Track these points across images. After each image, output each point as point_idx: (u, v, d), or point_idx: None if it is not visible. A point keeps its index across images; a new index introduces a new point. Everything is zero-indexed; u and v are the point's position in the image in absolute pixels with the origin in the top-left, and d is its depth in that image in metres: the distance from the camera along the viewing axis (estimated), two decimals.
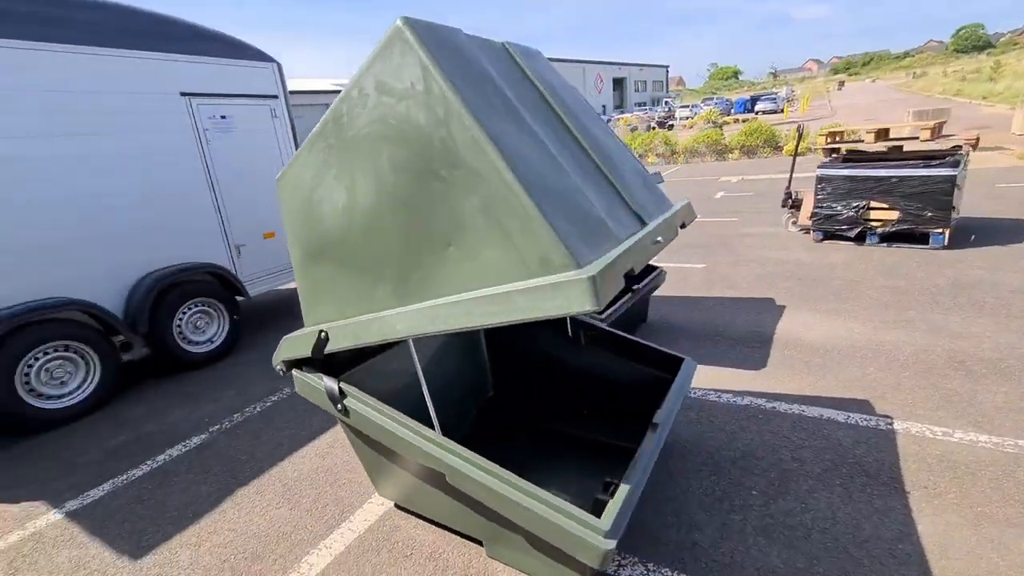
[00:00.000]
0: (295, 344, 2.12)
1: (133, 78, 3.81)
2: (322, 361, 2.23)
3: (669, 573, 1.94)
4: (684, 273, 5.58)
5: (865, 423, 2.72)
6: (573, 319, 2.90)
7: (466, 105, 1.58)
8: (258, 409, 3.41)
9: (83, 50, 3.52)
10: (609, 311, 3.41)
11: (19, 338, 3.22)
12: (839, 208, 5.98)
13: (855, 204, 5.90)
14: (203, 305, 4.23)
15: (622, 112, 49.56)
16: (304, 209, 2.06)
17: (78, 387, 3.51)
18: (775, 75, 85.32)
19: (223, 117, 4.40)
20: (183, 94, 4.11)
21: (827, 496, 2.24)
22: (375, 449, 2.27)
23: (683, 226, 2.29)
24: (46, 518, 2.52)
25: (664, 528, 2.15)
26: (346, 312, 1.99)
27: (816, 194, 6.16)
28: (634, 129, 25.54)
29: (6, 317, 3.16)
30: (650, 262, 3.91)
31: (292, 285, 5.26)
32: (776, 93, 44.41)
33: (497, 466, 1.79)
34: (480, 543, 2.13)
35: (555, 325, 2.93)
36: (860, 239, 5.98)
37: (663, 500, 2.30)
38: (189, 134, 4.18)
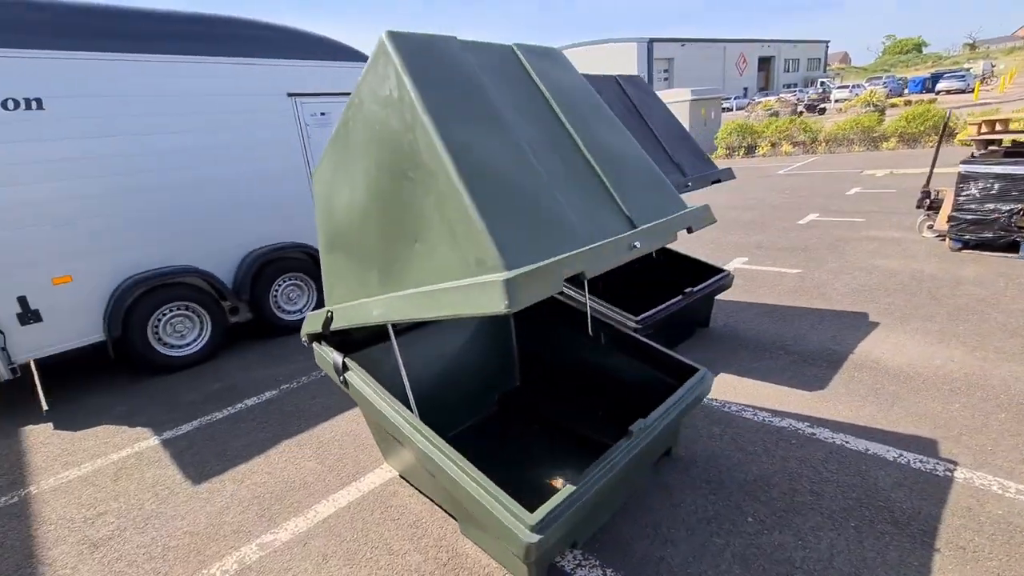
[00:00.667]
0: (312, 321, 2.41)
1: (249, 82, 4.45)
2: (338, 337, 2.51)
3: (601, 567, 1.92)
4: (772, 278, 5.11)
5: (918, 465, 2.36)
6: (595, 319, 2.88)
7: (428, 111, 1.69)
8: (320, 375, 3.87)
9: (210, 60, 4.20)
10: (648, 314, 3.30)
11: (156, 295, 4.01)
12: (988, 211, 5.02)
13: (1008, 208, 4.92)
14: (296, 279, 4.86)
15: (766, 95, 45.26)
16: (325, 201, 2.33)
17: (193, 341, 4.28)
18: (973, 46, 71.41)
19: (322, 114, 4.95)
20: (289, 94, 4.71)
21: (832, 536, 2.02)
22: (374, 422, 2.50)
23: (690, 230, 2.18)
24: (148, 442, 3.16)
25: (637, 538, 2.11)
26: (348, 296, 2.23)
27: (957, 195, 5.24)
28: (774, 114, 23.27)
29: (152, 276, 3.95)
30: (718, 265, 3.70)
31: None
32: (967, 70, 37.31)
33: (454, 451, 1.91)
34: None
35: (577, 324, 2.93)
36: (1012, 249, 4.99)
37: (646, 510, 2.25)
38: (293, 129, 4.78)
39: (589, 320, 2.88)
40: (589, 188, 2.03)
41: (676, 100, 18.42)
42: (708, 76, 53.00)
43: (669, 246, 4.26)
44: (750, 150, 17.28)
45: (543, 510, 1.68)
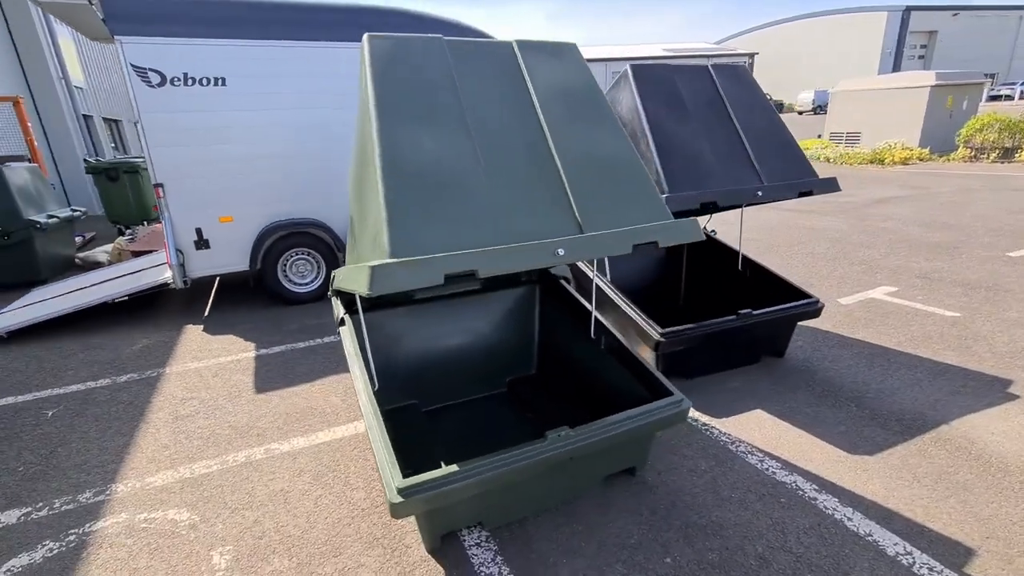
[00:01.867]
0: (331, 279, 2.83)
1: (342, 64, 4.95)
2: (353, 297, 2.90)
3: (501, 565, 1.98)
4: (914, 318, 4.21)
5: (922, 572, 1.91)
6: (598, 325, 2.82)
7: (378, 107, 1.90)
8: None
9: (340, 45, 4.84)
10: (676, 328, 3.08)
11: (288, 240, 4.95)
12: None
13: None
14: None
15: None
16: (351, 176, 2.69)
17: (311, 281, 5.18)
18: None
19: None
20: None
21: None
22: None
23: (657, 245, 2.04)
24: (248, 354, 4.03)
25: (545, 540, 2.12)
26: (350, 261, 2.58)
27: None
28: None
29: (287, 224, 4.90)
30: (805, 290, 3.28)
31: None
32: None
33: (378, 412, 2.14)
34: None
35: (582, 323, 2.90)
36: None
37: (573, 518, 2.23)
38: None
39: (593, 323, 2.83)
40: (546, 190, 2.03)
41: (908, 86, 15.27)
42: (988, 55, 42.12)
43: (758, 261, 3.84)
44: (1008, 153, 13.61)
45: (411, 480, 1.84)
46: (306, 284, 5.17)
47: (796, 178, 3.29)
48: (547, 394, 3.16)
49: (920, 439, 2.67)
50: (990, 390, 3.10)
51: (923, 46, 42.35)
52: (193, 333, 4.48)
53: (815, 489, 2.35)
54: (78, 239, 7.87)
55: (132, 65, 4.20)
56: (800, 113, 38.87)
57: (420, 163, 1.85)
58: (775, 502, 2.29)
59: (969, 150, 14.23)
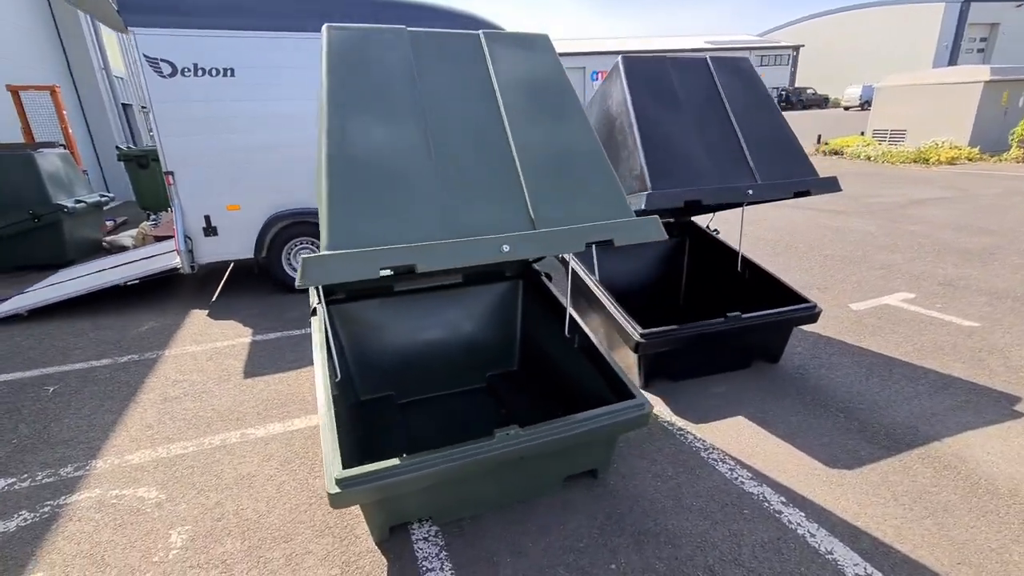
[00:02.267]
0: None
1: None
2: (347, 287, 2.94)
3: (444, 560, 1.97)
4: (927, 327, 4.00)
5: None
6: (572, 323, 2.77)
7: (330, 97, 1.90)
8: None
9: None
10: (657, 330, 2.99)
11: (292, 229, 5.05)
12: None
13: None
14: None
15: None
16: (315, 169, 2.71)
17: None
18: None
19: None
20: None
21: None
22: None
23: (610, 243, 1.98)
24: (244, 339, 4.13)
25: (493, 538, 2.11)
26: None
27: None
28: None
29: (291, 214, 4.99)
30: (803, 296, 3.13)
31: None
32: None
33: (330, 402, 2.13)
34: None
35: (560, 321, 2.85)
36: None
37: (524, 517, 2.20)
38: None
39: (567, 320, 2.78)
40: (501, 184, 2.00)
41: (959, 81, 14.46)
42: None
43: (757, 262, 3.71)
44: None
45: (351, 472, 1.84)
46: None
47: (794, 177, 3.14)
48: (527, 391, 3.13)
49: (907, 455, 2.53)
50: (995, 407, 2.91)
51: (983, 39, 39.87)
52: (197, 317, 4.62)
53: (782, 502, 2.26)
54: (109, 223, 8.22)
55: (144, 55, 4.33)
56: (846, 109, 37.19)
57: (367, 155, 1.85)
58: (737, 513, 2.21)
59: (1023, 149, 13.39)
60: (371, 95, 1.95)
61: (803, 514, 2.18)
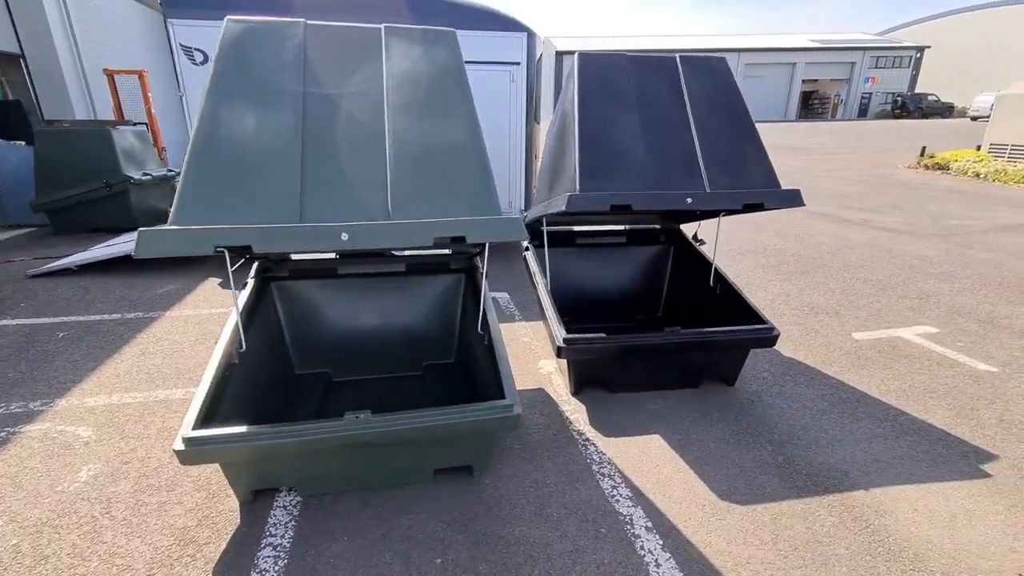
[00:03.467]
0: None
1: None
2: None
3: (288, 528, 2.07)
4: (936, 366, 3.57)
5: None
6: (484, 319, 2.77)
7: (213, 84, 2.05)
8: None
9: None
10: (581, 336, 2.90)
11: None
12: None
13: None
14: None
15: None
16: None
17: None
18: None
19: None
20: None
21: None
22: None
23: (461, 240, 1.99)
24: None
25: (340, 516, 2.18)
26: None
27: None
28: None
29: None
30: (763, 316, 2.94)
31: None
32: None
33: (214, 370, 2.30)
34: None
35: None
36: None
37: (386, 501, 2.26)
38: None
39: (481, 316, 2.79)
40: (367, 174, 2.06)
41: None
42: None
43: (727, 277, 3.50)
44: None
45: (197, 433, 1.98)
46: None
47: (751, 188, 2.92)
48: (459, 383, 3.17)
49: (817, 499, 2.30)
50: (958, 462, 2.55)
51: None
52: (210, 285, 5.07)
53: (647, 527, 2.14)
54: None
55: (180, 44, 4.80)
56: (974, 119, 32.89)
57: (234, 141, 1.97)
58: (593, 531, 2.13)
59: None
60: (253, 85, 2.08)
61: (661, 543, 2.06)
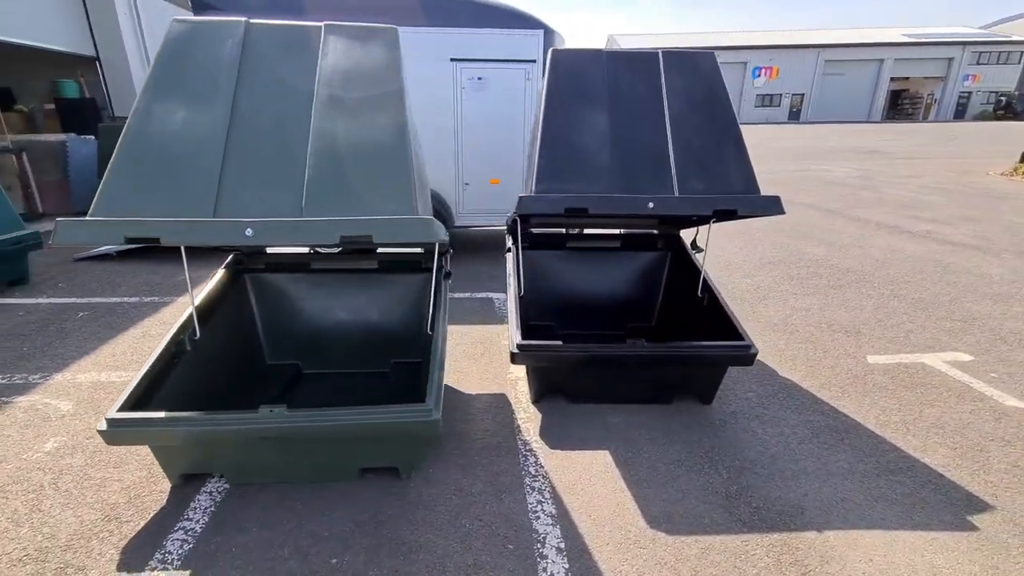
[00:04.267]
0: None
1: (425, 48, 5.27)
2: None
3: (205, 514, 2.13)
4: (956, 399, 3.19)
5: None
6: (432, 321, 2.74)
7: (150, 81, 2.13)
8: None
9: (405, 29, 5.18)
10: (535, 343, 2.80)
11: None
12: None
13: None
14: None
15: None
16: None
17: None
18: None
19: (479, 78, 5.43)
20: (452, 59, 5.36)
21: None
22: None
23: (351, 240, 1.95)
24: None
25: (260, 506, 2.22)
26: None
27: None
28: None
29: None
30: (742, 332, 2.75)
31: (501, 226, 6.04)
32: None
33: (155, 356, 2.40)
34: None
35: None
36: None
37: (309, 497, 2.27)
38: (452, 91, 5.46)
39: (430, 316, 2.76)
40: (288, 172, 2.07)
41: None
42: None
43: (715, 288, 3.29)
44: None
45: (122, 415, 2.07)
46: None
47: (727, 192, 2.70)
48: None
49: (757, 536, 2.09)
50: (944, 511, 2.24)
51: None
52: None
53: (558, 549, 2.03)
54: None
55: None
56: None
57: (161, 137, 2.04)
58: (501, 547, 2.04)
59: None
60: (188, 82, 2.14)
61: (567, 567, 1.95)
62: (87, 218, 1.86)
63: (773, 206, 2.61)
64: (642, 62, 3.01)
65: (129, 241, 1.86)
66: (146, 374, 2.27)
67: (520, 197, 2.62)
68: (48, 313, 4.26)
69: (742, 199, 2.62)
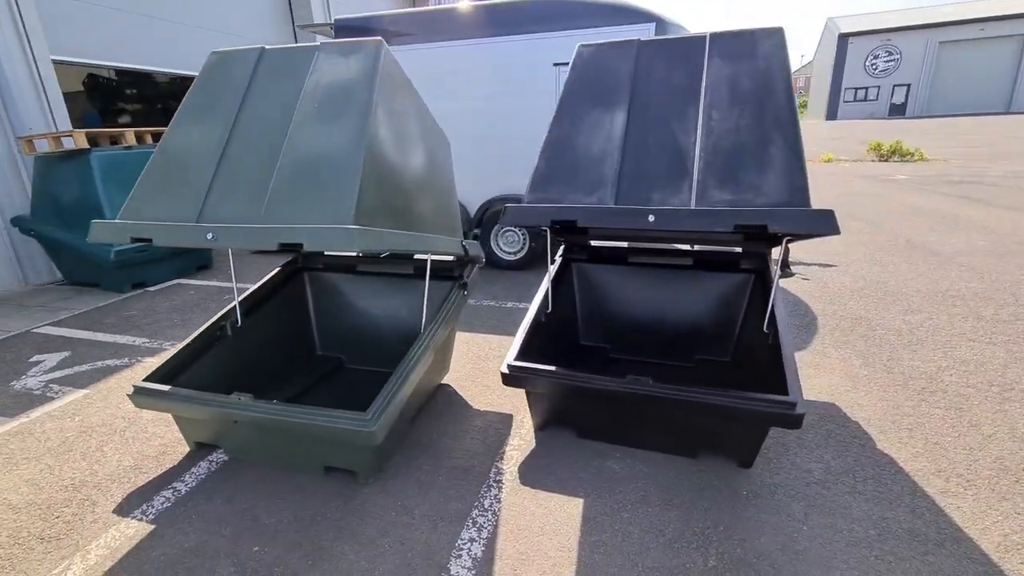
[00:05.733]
0: None
1: (528, 56, 5.26)
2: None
3: (196, 480, 2.43)
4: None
5: None
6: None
7: (183, 109, 2.50)
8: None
9: (511, 39, 5.26)
10: (527, 366, 2.57)
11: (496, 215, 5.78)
12: None
13: None
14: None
15: None
16: None
17: (516, 252, 5.87)
18: None
19: None
20: (555, 64, 5.21)
21: None
22: None
23: (293, 247, 2.01)
24: None
25: (238, 486, 2.44)
26: None
27: None
28: None
29: (495, 200, 5.71)
30: (789, 385, 2.31)
31: None
32: None
33: (197, 336, 2.81)
34: None
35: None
36: None
37: (278, 484, 2.44)
38: (552, 96, 5.32)
39: (425, 316, 2.76)
40: (259, 181, 2.24)
41: None
42: None
43: (778, 323, 2.72)
44: None
45: (144, 384, 2.46)
46: (513, 254, 5.93)
47: (762, 205, 2.13)
48: None
49: None
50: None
51: None
52: None
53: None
54: None
55: None
56: None
57: (177, 153, 2.38)
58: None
59: None
60: (207, 105, 2.46)
61: None
62: (105, 220, 2.27)
63: (820, 223, 1.97)
64: (683, 50, 2.54)
65: (133, 240, 2.22)
66: (178, 353, 2.68)
67: (505, 207, 2.43)
68: (209, 293, 5.33)
69: (776, 213, 2.02)
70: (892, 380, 3.21)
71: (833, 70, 37.34)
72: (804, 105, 48.12)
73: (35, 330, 4.48)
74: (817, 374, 3.35)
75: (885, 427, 2.75)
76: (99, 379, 3.54)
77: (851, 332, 3.92)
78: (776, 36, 2.41)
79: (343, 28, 5.68)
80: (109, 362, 3.80)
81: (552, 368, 2.52)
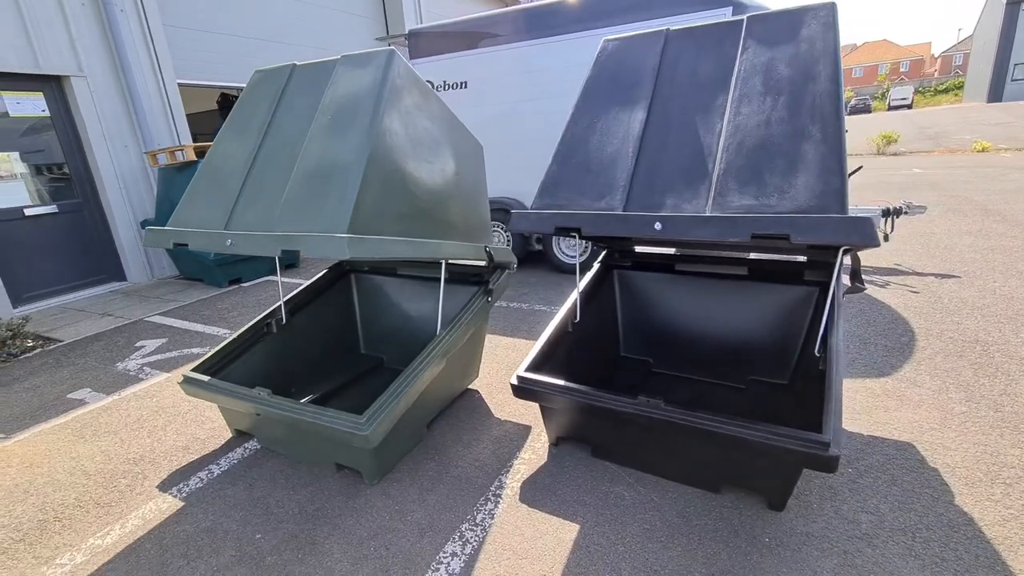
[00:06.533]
0: None
1: (576, 54, 5.09)
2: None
3: (226, 464, 2.64)
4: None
5: None
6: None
7: (226, 124, 2.73)
8: (524, 306, 4.85)
9: (555, 39, 5.16)
10: (545, 381, 2.47)
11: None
12: None
13: None
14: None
15: None
16: None
17: (578, 256, 5.86)
18: None
19: None
20: None
21: None
22: None
23: (287, 255, 2.10)
24: None
25: (258, 475, 2.62)
26: None
27: None
28: None
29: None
30: (825, 421, 2.13)
31: None
32: None
33: (243, 331, 3.05)
34: None
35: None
36: None
37: (291, 477, 2.58)
38: None
39: (440, 322, 2.76)
40: (277, 191, 2.38)
41: None
42: None
43: (831, 347, 2.41)
44: None
45: (195, 374, 2.71)
46: (571, 258, 5.93)
47: (791, 211, 1.85)
48: None
49: None
50: None
51: None
52: None
53: None
54: None
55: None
56: None
57: (218, 163, 2.59)
58: None
59: None
60: (245, 119, 2.65)
61: None
62: (157, 227, 2.53)
63: (852, 232, 1.66)
64: (715, 37, 2.28)
65: (175, 245, 2.46)
66: (223, 348, 2.93)
67: (513, 214, 2.35)
68: (290, 290, 5.78)
69: (798, 221, 1.74)
70: (998, 421, 2.65)
71: (999, 43, 31.84)
72: (960, 86, 41.76)
73: (147, 318, 5.18)
74: (900, 407, 2.86)
75: (973, 479, 2.26)
76: (180, 365, 4.00)
77: (959, 358, 3.30)
78: (824, 13, 2.07)
79: (414, 35, 5.90)
80: (195, 350, 4.28)
81: (560, 382, 2.39)
